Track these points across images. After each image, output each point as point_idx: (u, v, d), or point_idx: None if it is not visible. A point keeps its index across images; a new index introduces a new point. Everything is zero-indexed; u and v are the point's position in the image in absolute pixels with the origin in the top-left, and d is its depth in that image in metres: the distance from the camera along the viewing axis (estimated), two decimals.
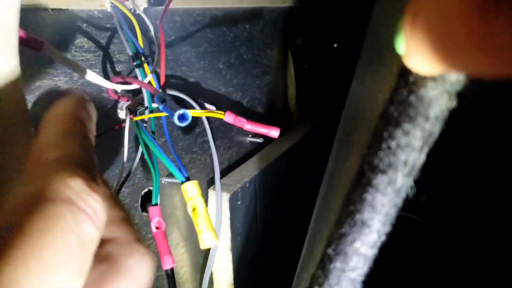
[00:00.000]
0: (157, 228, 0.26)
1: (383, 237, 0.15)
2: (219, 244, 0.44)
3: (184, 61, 0.40)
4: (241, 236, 0.46)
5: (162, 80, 0.28)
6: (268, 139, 0.58)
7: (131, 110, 0.27)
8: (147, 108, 0.28)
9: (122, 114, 0.29)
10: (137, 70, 0.28)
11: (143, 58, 0.28)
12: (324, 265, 0.17)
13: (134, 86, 0.26)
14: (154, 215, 0.26)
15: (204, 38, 0.42)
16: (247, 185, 0.46)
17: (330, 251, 0.16)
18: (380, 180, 0.14)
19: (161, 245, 0.24)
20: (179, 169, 0.23)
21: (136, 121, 0.27)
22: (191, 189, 0.22)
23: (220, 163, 0.43)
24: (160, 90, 0.27)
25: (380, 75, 0.20)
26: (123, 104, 0.29)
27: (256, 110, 0.57)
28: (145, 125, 0.28)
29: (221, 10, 0.44)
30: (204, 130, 0.44)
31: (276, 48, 0.60)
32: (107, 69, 0.29)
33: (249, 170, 0.49)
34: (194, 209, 0.22)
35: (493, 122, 0.45)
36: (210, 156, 0.46)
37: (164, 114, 0.26)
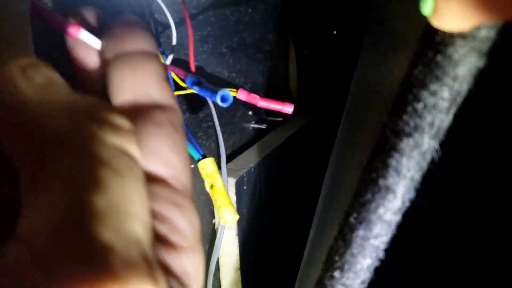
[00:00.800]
0: None
1: (407, 203, 0.15)
2: (226, 229, 0.44)
3: (188, 44, 0.39)
4: (246, 221, 0.46)
5: (192, 62, 0.27)
6: (271, 126, 0.58)
7: None
8: None
9: None
10: None
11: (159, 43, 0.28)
12: (344, 235, 0.17)
13: None
14: None
15: (207, 21, 0.42)
16: (252, 170, 0.46)
17: (351, 220, 0.16)
18: (406, 144, 0.14)
19: None
20: (195, 147, 0.23)
21: None
22: (208, 166, 0.22)
23: (224, 148, 0.43)
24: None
25: (394, 48, 0.20)
26: None
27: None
28: None
29: None
30: (209, 115, 0.44)
31: (278, 33, 0.59)
32: None
33: (253, 156, 0.49)
34: (212, 186, 0.22)
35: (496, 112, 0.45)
36: (215, 141, 0.46)
37: (177, 92, 0.25)
